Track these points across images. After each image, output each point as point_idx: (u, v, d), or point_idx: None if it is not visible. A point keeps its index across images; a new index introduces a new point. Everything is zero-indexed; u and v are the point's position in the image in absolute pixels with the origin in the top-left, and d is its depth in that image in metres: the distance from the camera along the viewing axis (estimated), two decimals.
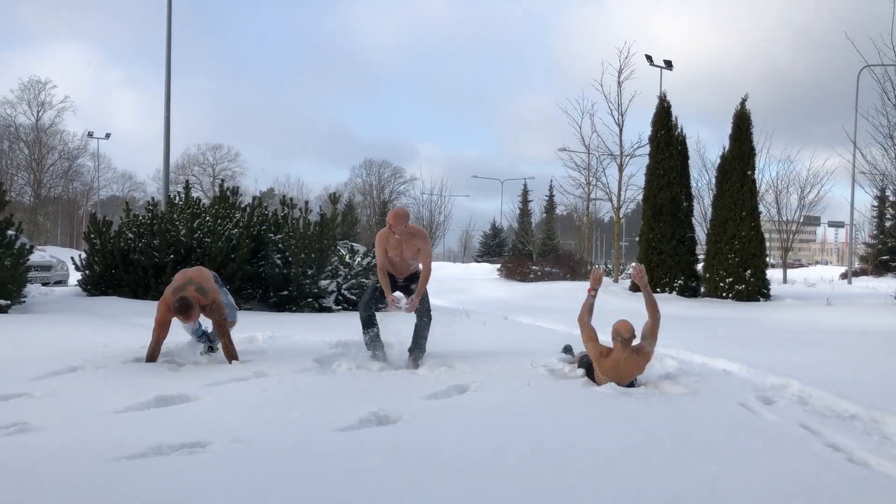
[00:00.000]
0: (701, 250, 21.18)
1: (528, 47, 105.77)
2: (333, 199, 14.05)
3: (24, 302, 10.29)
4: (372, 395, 5.07)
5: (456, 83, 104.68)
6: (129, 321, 9.25)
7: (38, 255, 17.46)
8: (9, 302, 9.84)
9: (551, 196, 59.51)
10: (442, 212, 60.04)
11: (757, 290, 18.18)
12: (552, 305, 16.41)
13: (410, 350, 6.65)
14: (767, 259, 19.45)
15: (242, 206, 13.30)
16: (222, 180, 14.56)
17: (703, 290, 19.17)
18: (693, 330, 11.13)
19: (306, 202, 13.12)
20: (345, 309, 12.46)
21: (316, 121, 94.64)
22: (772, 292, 18.71)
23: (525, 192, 61.01)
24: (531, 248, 41.00)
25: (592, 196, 28.67)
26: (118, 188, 65.57)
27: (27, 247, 10.76)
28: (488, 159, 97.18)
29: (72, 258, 13.32)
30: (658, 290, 19.00)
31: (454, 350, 7.25)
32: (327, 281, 12.48)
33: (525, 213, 58.79)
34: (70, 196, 61.66)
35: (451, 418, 4.48)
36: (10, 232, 10.62)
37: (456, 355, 6.84)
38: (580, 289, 20.46)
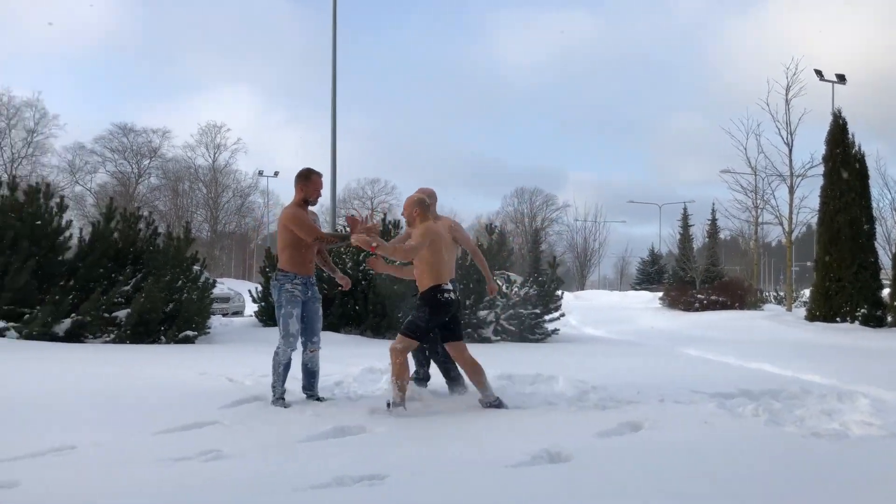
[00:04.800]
0: (885, 276, 19.54)
1: (681, 65, 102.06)
2: (490, 229, 14.19)
3: (209, 332, 11.05)
4: (541, 431, 5.00)
5: (605, 105, 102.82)
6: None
7: (218, 288, 18.76)
8: (196, 333, 10.61)
9: (714, 220, 56.92)
10: (597, 238, 59.10)
11: None
12: (719, 336, 15.65)
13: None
14: None
15: None
16: (384, 214, 15.01)
17: (889, 319, 17.65)
18: (884, 364, 10.23)
19: None
20: (503, 339, 12.48)
21: (465, 150, 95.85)
22: None
23: (685, 217, 58.88)
24: (693, 274, 39.44)
25: (760, 220, 27.27)
26: None
27: (210, 281, 11.59)
28: (642, 182, 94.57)
29: (249, 291, 14.17)
30: (838, 319, 17.69)
31: (620, 383, 7.05)
32: (486, 311, 12.56)
33: (686, 238, 56.67)
34: (242, 231, 65.85)
35: (626, 458, 4.34)
36: (195, 267, 11.49)
37: (623, 389, 6.64)
38: (749, 318, 19.45)
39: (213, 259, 55.22)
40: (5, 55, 77.39)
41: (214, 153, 60.87)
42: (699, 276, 39.58)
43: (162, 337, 10.37)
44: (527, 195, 67.94)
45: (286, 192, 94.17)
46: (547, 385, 7.03)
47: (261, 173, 58.03)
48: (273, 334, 11.56)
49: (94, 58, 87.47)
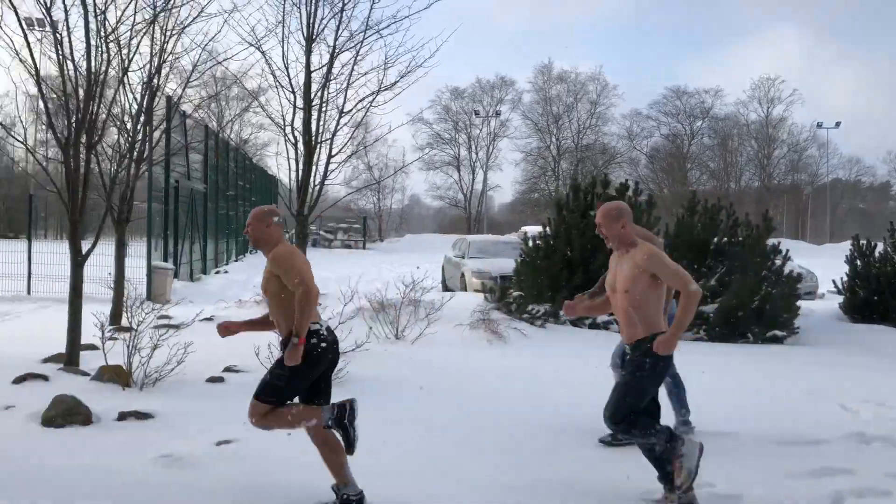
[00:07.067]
0: None
1: None
2: None
3: (797, 332, 10.55)
4: None
5: None
6: None
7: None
8: (784, 333, 10.26)
9: None
10: None
11: None
12: None
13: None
14: None
15: None
16: None
17: None
18: None
19: None
20: None
21: None
22: None
23: None
24: None
25: None
26: (843, 173, 62.53)
27: (795, 274, 11.02)
28: None
29: (833, 281, 13.15)
30: None
31: None
32: None
33: None
34: (795, 182, 61.53)
35: None
36: (777, 259, 11.00)
37: None
38: None
39: (766, 220, 53.28)
40: (577, 33, 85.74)
41: (768, 108, 58.45)
42: None
43: (749, 335, 10.24)
44: None
45: (846, 144, 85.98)
46: None
47: (819, 125, 53.82)
48: (867, 334, 10.56)
49: (638, 21, 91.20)
